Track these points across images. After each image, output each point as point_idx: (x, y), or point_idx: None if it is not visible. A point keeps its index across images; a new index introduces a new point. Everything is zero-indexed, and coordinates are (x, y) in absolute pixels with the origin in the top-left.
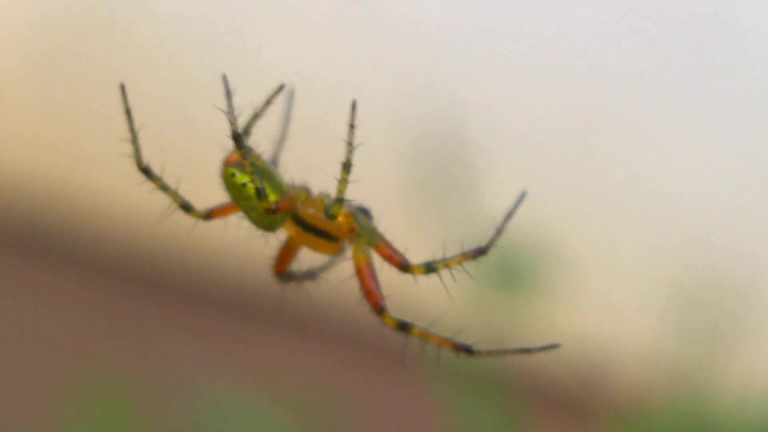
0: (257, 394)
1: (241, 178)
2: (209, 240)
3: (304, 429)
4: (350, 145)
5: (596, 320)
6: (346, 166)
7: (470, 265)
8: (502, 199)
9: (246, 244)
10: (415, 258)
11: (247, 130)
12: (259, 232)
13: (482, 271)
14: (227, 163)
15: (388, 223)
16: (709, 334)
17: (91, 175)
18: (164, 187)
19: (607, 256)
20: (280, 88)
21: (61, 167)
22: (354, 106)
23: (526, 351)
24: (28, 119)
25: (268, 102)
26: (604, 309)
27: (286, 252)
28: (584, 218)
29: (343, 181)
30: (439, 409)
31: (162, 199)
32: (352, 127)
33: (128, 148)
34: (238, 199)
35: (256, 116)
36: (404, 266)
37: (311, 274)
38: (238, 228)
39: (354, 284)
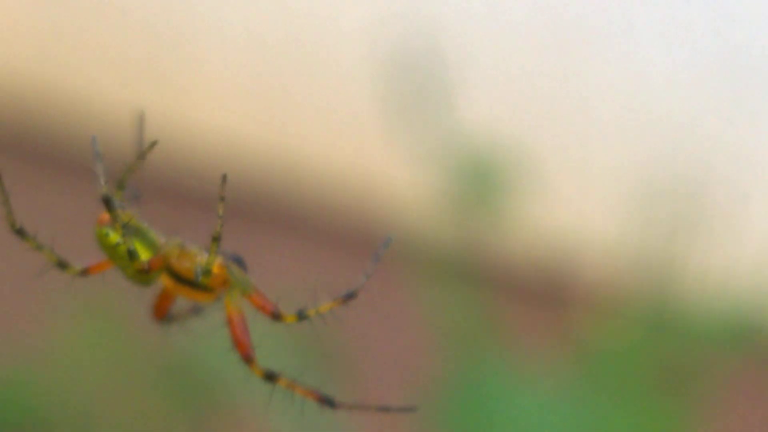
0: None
1: (114, 238)
2: (184, 133)
3: (283, 329)
4: (221, 219)
5: (565, 219)
6: (215, 239)
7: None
8: (477, 111)
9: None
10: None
11: (121, 185)
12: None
13: (454, 176)
14: (100, 223)
15: (367, 146)
16: (669, 228)
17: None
18: (39, 247)
19: (576, 161)
20: (153, 143)
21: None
22: (224, 179)
23: (385, 409)
24: None
25: (142, 157)
26: (573, 210)
27: (163, 300)
28: (555, 124)
29: (213, 253)
30: (417, 303)
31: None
32: (222, 199)
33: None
34: (113, 257)
35: (129, 171)
36: (276, 315)
37: (196, 310)
38: (214, 118)
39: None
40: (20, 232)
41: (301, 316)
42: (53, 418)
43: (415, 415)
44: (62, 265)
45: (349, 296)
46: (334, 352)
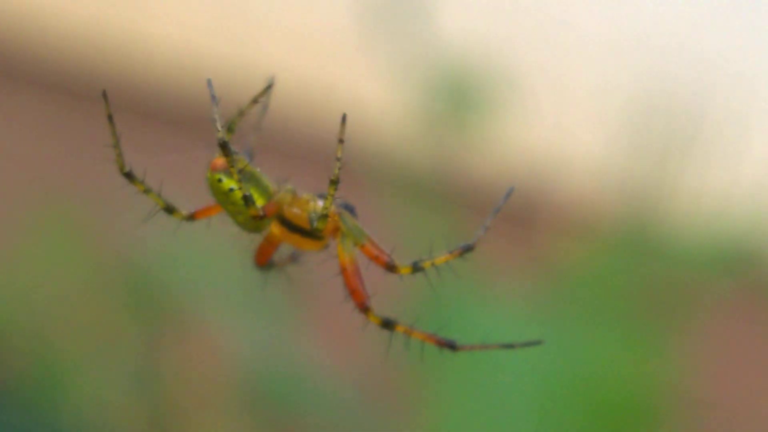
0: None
1: (228, 183)
2: (156, 52)
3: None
4: (338, 161)
5: (547, 137)
6: (334, 183)
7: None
8: (454, 23)
9: (195, 55)
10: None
11: (231, 127)
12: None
13: (429, 91)
14: (213, 169)
15: (338, 59)
16: (659, 150)
17: None
18: (147, 190)
19: (558, 77)
20: (269, 86)
21: None
22: (344, 119)
23: (509, 346)
24: None
25: (255, 100)
26: (556, 127)
27: (267, 247)
28: (536, 38)
29: (330, 197)
30: (388, 221)
31: None
32: (341, 141)
33: (110, 153)
34: (225, 203)
35: (241, 114)
36: (391, 266)
37: (294, 258)
38: (182, 40)
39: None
40: (129, 176)
41: (416, 267)
42: (8, 325)
43: (379, 337)
44: (169, 209)
45: (467, 249)
46: (298, 270)
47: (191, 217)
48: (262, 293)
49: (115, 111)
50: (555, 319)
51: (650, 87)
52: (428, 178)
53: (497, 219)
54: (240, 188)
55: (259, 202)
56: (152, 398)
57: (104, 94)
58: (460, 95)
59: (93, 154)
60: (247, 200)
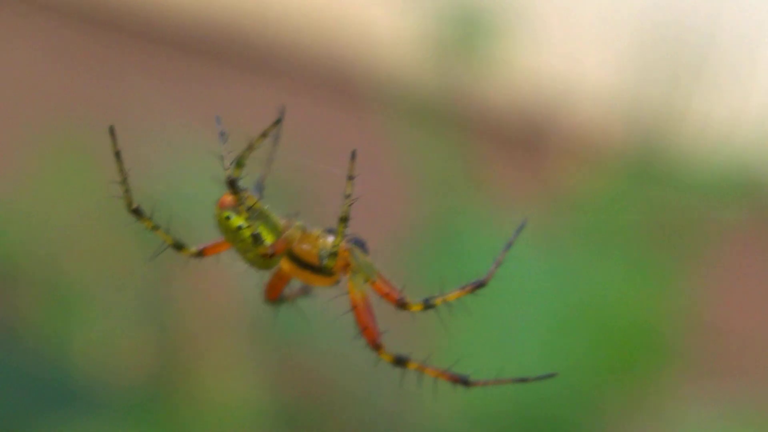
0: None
1: (236, 221)
2: None
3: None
4: (348, 198)
5: (555, 63)
6: (344, 220)
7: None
8: None
9: None
10: None
11: (241, 162)
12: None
13: (445, 15)
14: (221, 206)
15: None
16: (668, 77)
17: None
18: (155, 227)
19: (568, 3)
20: (278, 120)
21: None
22: (354, 155)
23: (523, 380)
24: None
25: (265, 135)
26: (564, 53)
27: (278, 282)
28: None
29: (340, 234)
30: (396, 147)
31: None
32: (350, 178)
33: (118, 189)
34: (233, 241)
35: (250, 148)
36: (402, 303)
37: (305, 291)
38: None
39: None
40: (137, 212)
41: (428, 305)
42: (19, 253)
43: (393, 262)
44: (178, 246)
45: (478, 285)
46: (306, 194)
47: (200, 254)
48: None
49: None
50: (564, 247)
51: (659, 13)
52: (437, 104)
53: (506, 145)
54: (249, 226)
55: (269, 239)
56: (163, 328)
57: (111, 130)
58: (469, 21)
59: (110, 81)
60: (256, 239)
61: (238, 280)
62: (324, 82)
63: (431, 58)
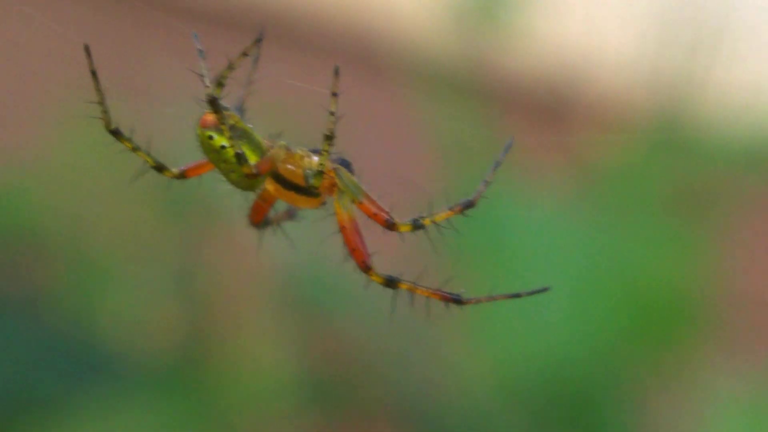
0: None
1: (219, 140)
2: None
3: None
4: (333, 115)
5: (576, 32)
6: (329, 138)
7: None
8: None
9: None
10: None
11: (221, 82)
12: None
13: None
14: (203, 126)
15: None
16: (689, 45)
17: None
18: (135, 148)
19: None
20: (258, 39)
21: None
22: (337, 71)
23: (516, 296)
24: None
25: (245, 54)
26: (585, 21)
27: (262, 204)
28: None
29: (325, 153)
30: (417, 116)
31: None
32: (334, 95)
33: (96, 109)
34: (216, 161)
35: (230, 68)
36: (390, 224)
37: (290, 214)
38: None
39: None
40: (115, 133)
41: (416, 225)
42: (46, 225)
43: (415, 234)
44: (159, 167)
45: (467, 205)
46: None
47: (182, 175)
48: None
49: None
50: (589, 215)
51: None
52: (459, 74)
53: (528, 114)
54: (232, 146)
55: (252, 159)
56: (191, 299)
57: (86, 48)
58: None
59: (135, 53)
60: (240, 158)
61: (267, 249)
62: (348, 53)
63: (453, 28)
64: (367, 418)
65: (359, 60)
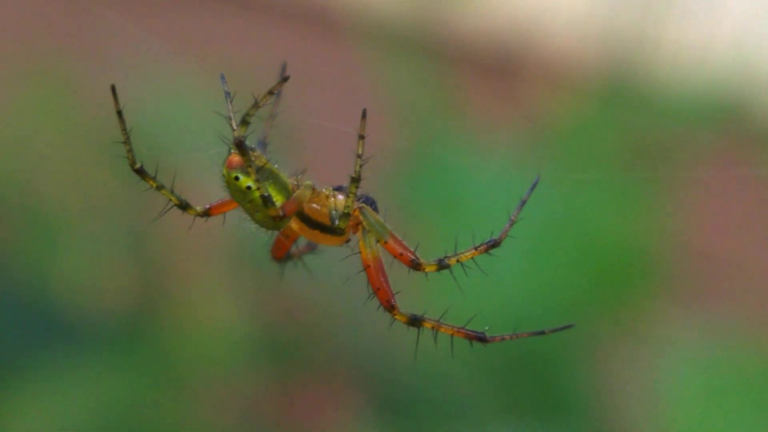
0: (192, 68)
1: (245, 181)
2: None
3: (236, 104)
4: (359, 158)
5: None
6: (355, 180)
7: None
8: None
9: None
10: None
11: (247, 120)
12: None
13: None
14: (230, 166)
15: None
16: (641, 3)
17: None
18: (159, 187)
19: None
20: (284, 79)
21: None
22: (364, 114)
23: (541, 333)
24: None
25: (271, 92)
26: None
27: (285, 241)
28: None
29: (352, 195)
30: (374, 76)
31: None
32: (361, 137)
33: (121, 148)
34: (242, 201)
35: (256, 106)
36: (415, 264)
37: (311, 247)
38: None
39: None
40: (140, 172)
41: (442, 264)
42: (2, 184)
43: (368, 191)
44: (183, 206)
45: (492, 245)
46: (285, 125)
47: (206, 214)
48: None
49: None
50: (542, 171)
51: None
52: (413, 32)
53: (480, 72)
54: (258, 188)
55: (278, 199)
56: (146, 256)
57: (113, 90)
58: None
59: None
60: (266, 200)
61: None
62: (300, 12)
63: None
64: (321, 377)
65: (313, 18)
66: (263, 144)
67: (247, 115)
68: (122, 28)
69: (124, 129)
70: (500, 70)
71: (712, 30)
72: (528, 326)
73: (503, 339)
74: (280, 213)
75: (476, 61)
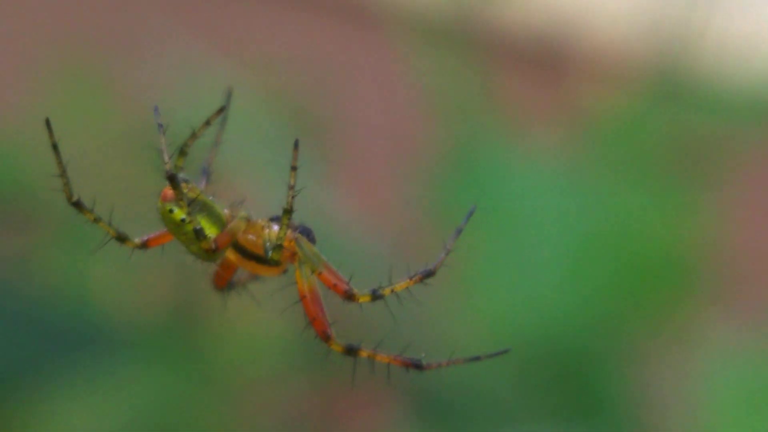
0: (231, 64)
1: (179, 214)
2: None
3: (276, 99)
4: (291, 189)
5: None
6: (288, 212)
7: None
8: None
9: None
10: None
11: (184, 150)
12: None
13: None
14: (164, 199)
15: None
16: None
17: None
18: (96, 219)
19: None
20: (222, 109)
21: None
22: (296, 144)
23: (477, 359)
24: None
25: (208, 123)
26: None
27: (225, 270)
28: None
29: (284, 226)
30: (414, 69)
31: None
32: (294, 169)
33: (58, 182)
34: (177, 234)
35: (194, 137)
36: (349, 295)
37: (255, 276)
38: None
39: None
40: (77, 205)
41: (376, 295)
42: (37, 187)
43: (407, 188)
44: (121, 238)
45: (427, 274)
46: (324, 120)
47: (144, 245)
48: (288, 145)
49: None
50: (585, 170)
51: None
52: (454, 25)
53: (523, 67)
54: (191, 221)
55: (212, 232)
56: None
57: (47, 122)
58: None
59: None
60: (198, 233)
61: (259, 209)
62: (339, 5)
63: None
64: (356, 381)
65: (352, 12)
66: (207, 172)
67: (185, 145)
68: (159, 24)
69: (59, 162)
70: (544, 64)
71: (759, 21)
72: (569, 334)
73: (440, 366)
74: (213, 246)
75: (520, 55)
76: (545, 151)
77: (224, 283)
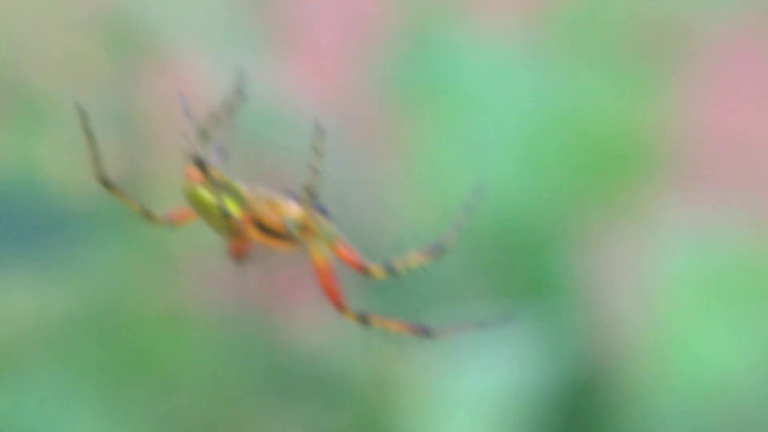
0: None
1: (206, 195)
2: None
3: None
4: (314, 171)
5: None
6: (309, 192)
7: None
8: None
9: None
10: None
11: (206, 133)
12: None
13: None
14: (188, 179)
15: None
16: None
17: None
18: (124, 197)
19: None
20: (239, 92)
21: None
22: (321, 131)
23: (483, 326)
24: None
25: (229, 108)
26: None
27: (242, 244)
28: None
29: (306, 207)
30: None
31: None
32: (316, 150)
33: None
34: (202, 213)
35: (215, 119)
36: (363, 269)
37: (270, 250)
38: None
39: None
40: (106, 183)
41: (389, 269)
42: None
43: (362, 73)
44: (148, 215)
45: (439, 249)
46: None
47: (170, 222)
48: (239, 24)
49: None
50: (543, 51)
51: None
52: None
53: None
54: (218, 202)
55: (236, 212)
56: (131, 133)
57: (80, 110)
58: None
59: None
60: (225, 214)
61: (207, 79)
62: None
63: None
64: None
65: None
66: (223, 152)
67: (206, 130)
68: None
69: (93, 147)
70: None
71: None
72: (524, 211)
73: (447, 332)
74: (240, 226)
75: None
76: (503, 29)
77: (241, 256)
